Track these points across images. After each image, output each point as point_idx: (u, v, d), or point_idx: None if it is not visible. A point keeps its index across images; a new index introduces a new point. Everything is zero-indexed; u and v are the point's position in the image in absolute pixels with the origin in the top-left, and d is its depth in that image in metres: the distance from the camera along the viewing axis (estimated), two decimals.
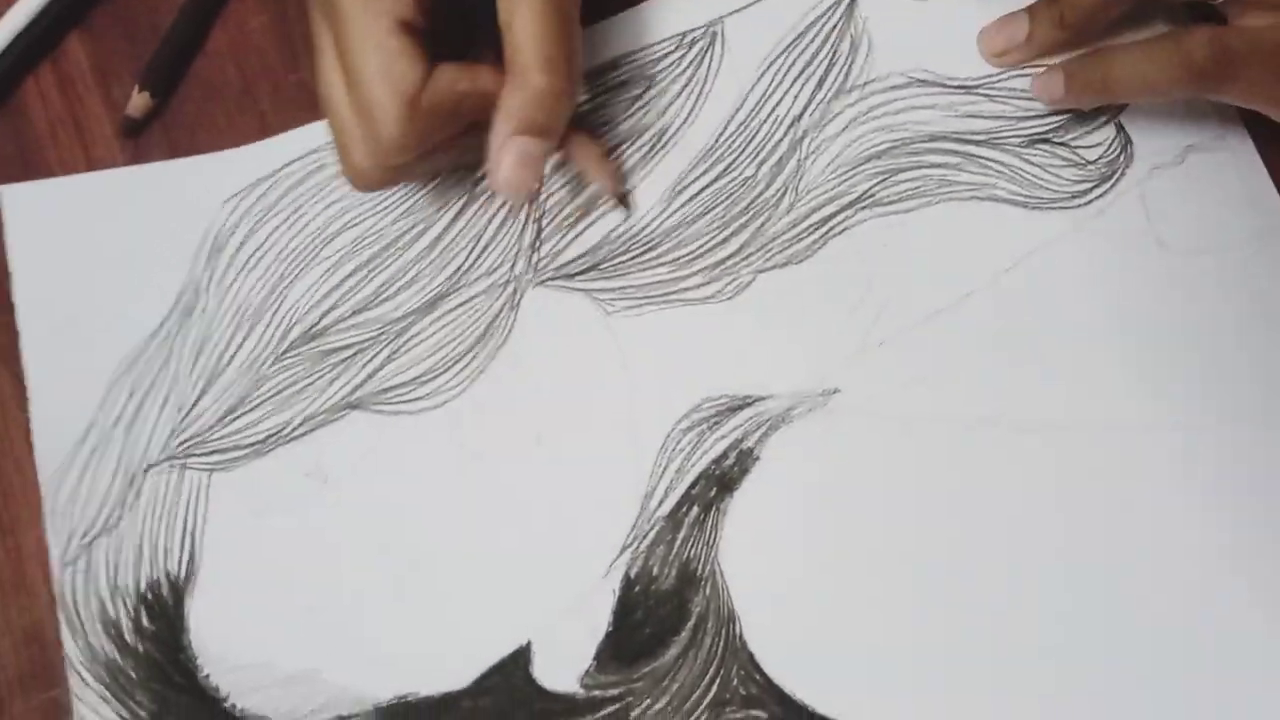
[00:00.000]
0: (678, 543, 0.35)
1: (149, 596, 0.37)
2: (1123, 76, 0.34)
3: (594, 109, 0.38)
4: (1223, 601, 0.33)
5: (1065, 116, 0.36)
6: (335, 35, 0.34)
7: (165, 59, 0.40)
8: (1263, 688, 0.32)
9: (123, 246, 0.39)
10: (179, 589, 0.37)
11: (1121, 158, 0.36)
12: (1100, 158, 0.36)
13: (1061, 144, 0.36)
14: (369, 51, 0.33)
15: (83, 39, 0.42)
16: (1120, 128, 0.36)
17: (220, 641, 0.36)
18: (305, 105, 0.39)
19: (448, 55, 0.34)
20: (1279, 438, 0.34)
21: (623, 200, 0.37)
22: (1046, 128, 0.36)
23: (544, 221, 0.38)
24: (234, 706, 0.36)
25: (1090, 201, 0.36)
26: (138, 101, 0.39)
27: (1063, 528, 0.33)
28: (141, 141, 0.40)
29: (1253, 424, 0.34)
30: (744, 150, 0.38)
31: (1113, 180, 0.36)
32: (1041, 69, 0.36)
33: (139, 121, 0.39)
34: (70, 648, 0.37)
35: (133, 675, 0.36)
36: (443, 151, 0.35)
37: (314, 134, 0.39)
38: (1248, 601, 0.33)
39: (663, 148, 0.38)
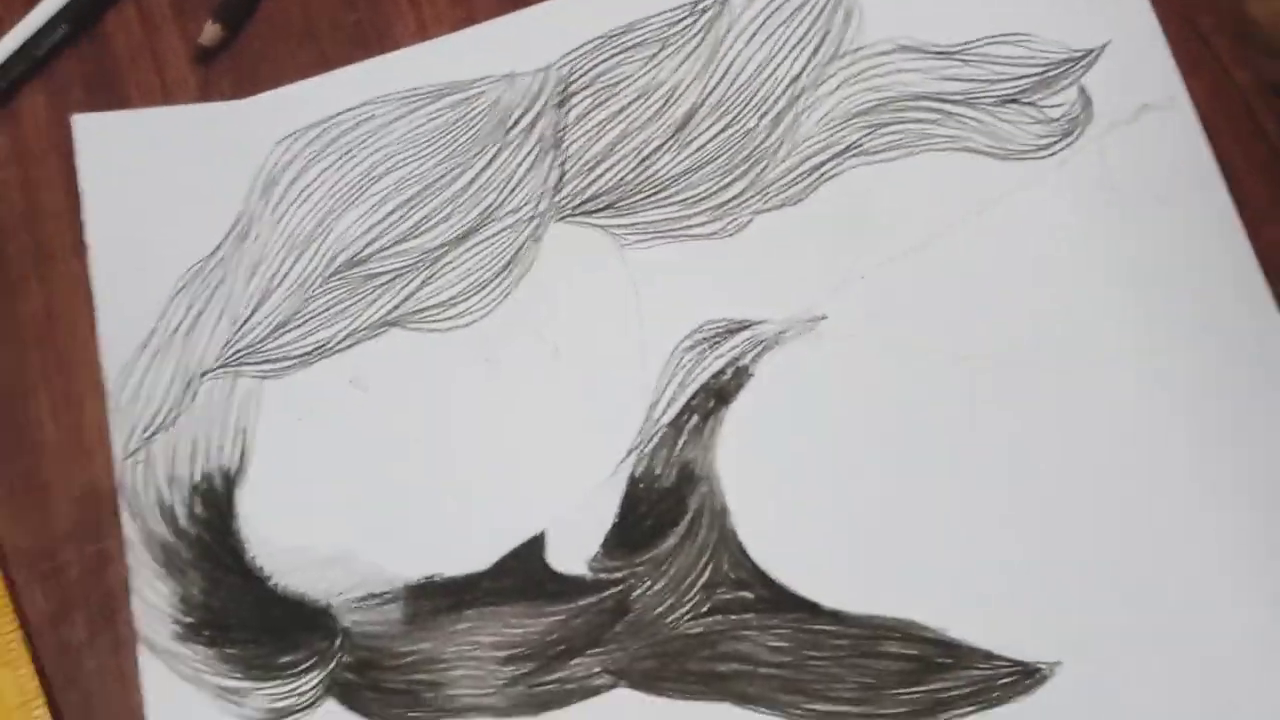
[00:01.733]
0: (678, 446, 0.38)
1: (202, 486, 0.41)
2: None
3: (612, 66, 0.42)
4: (1187, 507, 0.36)
5: (1034, 79, 0.39)
6: None
7: None
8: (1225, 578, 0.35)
9: (184, 175, 0.43)
10: (230, 480, 0.41)
11: (1082, 115, 0.39)
12: (1063, 115, 0.39)
13: (1029, 103, 0.39)
14: None
15: None
16: (1082, 89, 0.39)
17: (266, 527, 0.40)
18: (360, 43, 0.43)
19: None
20: (1216, 354, 0.37)
21: None
22: (1016, 89, 0.39)
23: (566, 165, 0.42)
24: (276, 584, 0.39)
25: (1054, 154, 0.38)
26: (210, 32, 0.43)
27: (1028, 436, 0.36)
28: (212, 70, 0.44)
29: (1201, 345, 0.37)
30: (747, 105, 0.41)
31: (1074, 135, 0.39)
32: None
33: (210, 50, 0.43)
34: (130, 529, 0.40)
35: (186, 556, 0.40)
36: None
37: (365, 80, 0.43)
38: (1215, 504, 0.36)
39: (675, 101, 0.41)
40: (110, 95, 0.45)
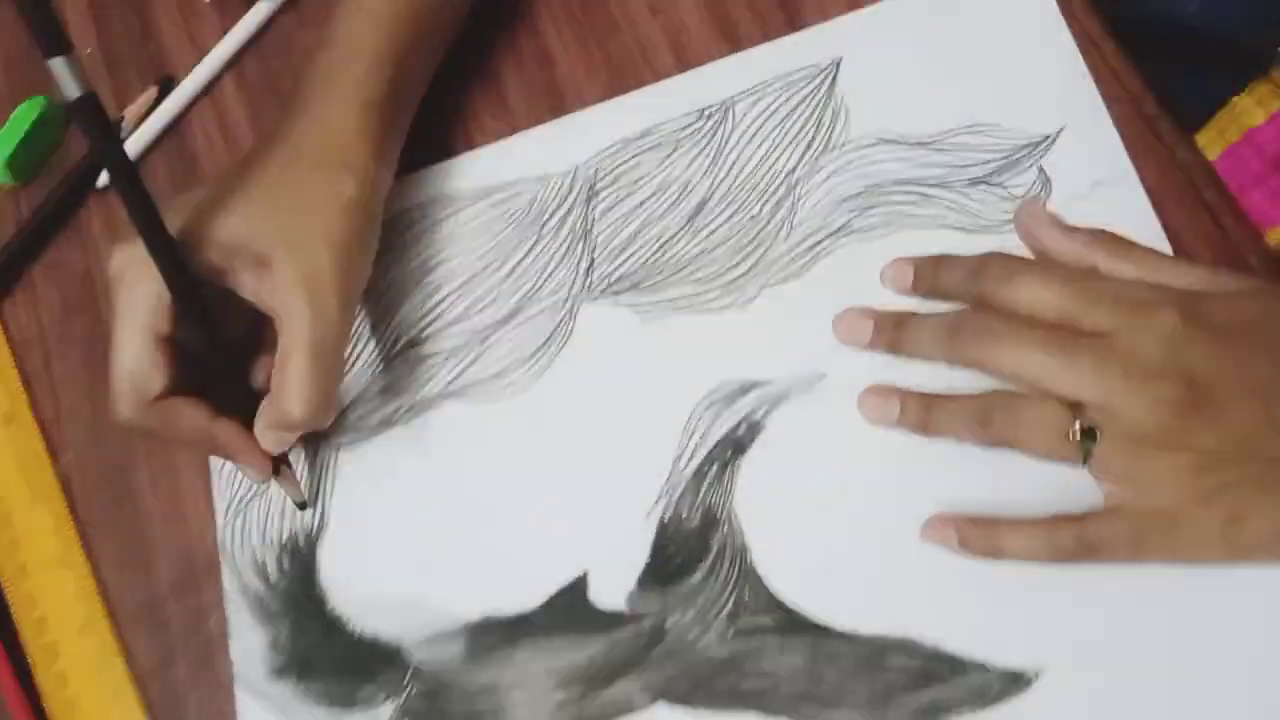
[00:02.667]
0: (701, 493, 0.43)
1: (289, 545, 0.46)
2: (1007, 549, 0.38)
3: (633, 165, 0.48)
4: None
5: (999, 163, 0.44)
6: (111, 323, 0.41)
7: None
8: None
9: None
10: (312, 539, 0.46)
11: (1043, 192, 0.43)
12: (1026, 193, 0.43)
13: (997, 184, 0.43)
14: (123, 353, 0.40)
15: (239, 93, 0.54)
16: (1041, 170, 0.43)
17: (344, 578, 0.45)
18: (409, 151, 0.48)
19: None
20: None
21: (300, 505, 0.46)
22: (984, 172, 0.43)
23: (595, 253, 0.48)
24: (354, 628, 0.44)
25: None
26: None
27: (1008, 468, 0.39)
28: None
29: None
30: (751, 194, 0.46)
31: None
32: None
33: None
34: (228, 583, 0.46)
35: (276, 606, 0.46)
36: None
37: (418, 186, 0.49)
38: None
39: (688, 194, 0.47)
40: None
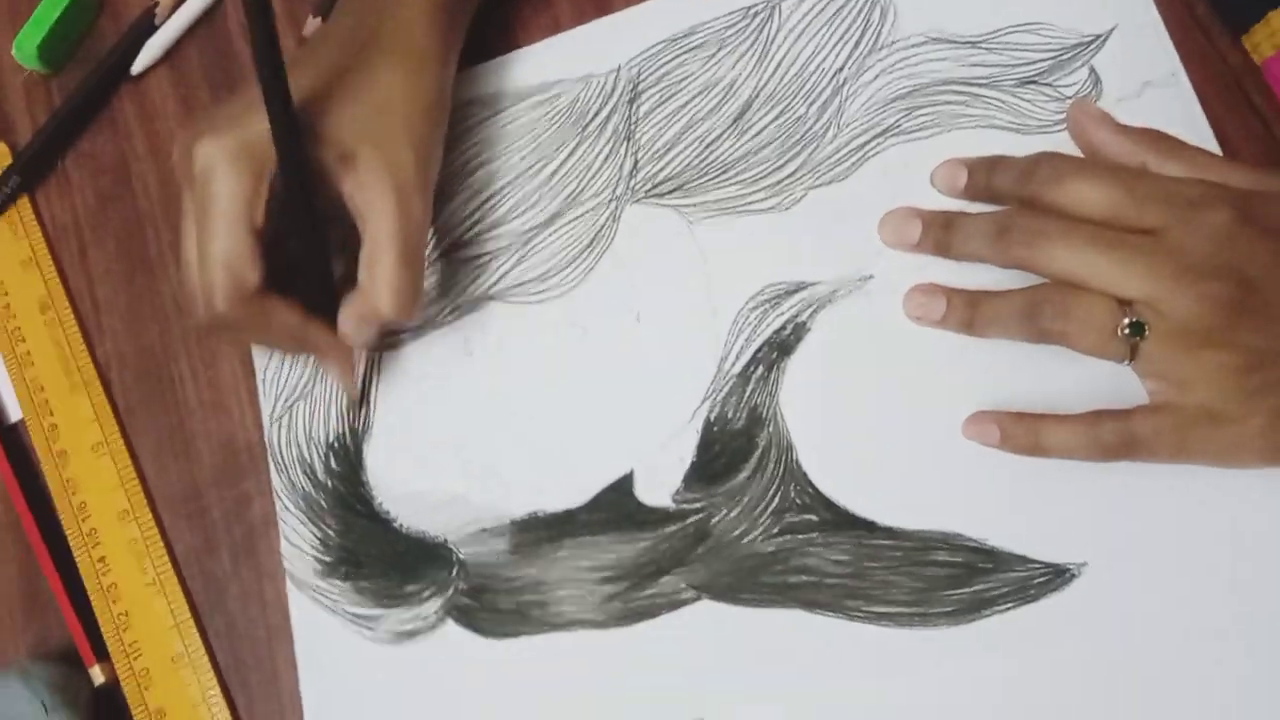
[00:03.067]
0: (747, 393, 0.43)
1: (335, 445, 0.47)
2: (1050, 445, 0.38)
3: (675, 66, 0.47)
4: None
5: (1049, 62, 0.44)
6: (198, 219, 0.40)
7: None
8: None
9: None
10: (358, 439, 0.47)
11: (1093, 93, 0.43)
12: (1076, 94, 0.43)
13: (1046, 84, 0.43)
14: (220, 246, 0.40)
15: None
16: (1092, 70, 0.43)
17: (390, 477, 0.46)
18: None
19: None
20: None
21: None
22: (1034, 72, 0.43)
23: (639, 154, 0.47)
24: (401, 525, 0.45)
25: (1067, 129, 0.42)
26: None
27: (1050, 362, 0.40)
28: None
29: None
30: (797, 95, 0.45)
31: None
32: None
33: None
34: (276, 482, 0.47)
35: (323, 504, 0.46)
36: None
37: (460, 85, 0.48)
38: None
39: (733, 94, 0.46)
40: (230, 94, 0.52)
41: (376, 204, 0.41)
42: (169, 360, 0.50)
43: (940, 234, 0.42)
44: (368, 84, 0.42)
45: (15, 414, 0.51)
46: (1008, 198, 0.41)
